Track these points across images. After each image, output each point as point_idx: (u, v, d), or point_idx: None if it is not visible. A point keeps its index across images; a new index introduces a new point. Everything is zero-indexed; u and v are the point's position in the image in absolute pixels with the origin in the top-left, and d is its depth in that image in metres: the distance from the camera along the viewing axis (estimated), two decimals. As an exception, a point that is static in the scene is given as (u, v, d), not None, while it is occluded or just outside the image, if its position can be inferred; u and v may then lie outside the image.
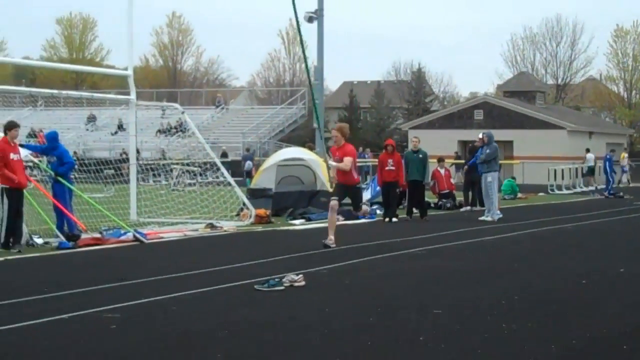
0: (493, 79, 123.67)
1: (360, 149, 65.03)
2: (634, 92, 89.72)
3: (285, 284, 12.55)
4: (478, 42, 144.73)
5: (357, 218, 26.06)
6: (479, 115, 62.10)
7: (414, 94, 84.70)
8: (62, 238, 18.88)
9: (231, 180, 25.77)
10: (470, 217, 26.64)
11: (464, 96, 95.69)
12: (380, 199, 27.61)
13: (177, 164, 40.41)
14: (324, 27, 48.48)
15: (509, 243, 19.89)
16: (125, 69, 26.45)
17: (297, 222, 24.79)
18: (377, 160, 30.06)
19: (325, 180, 28.61)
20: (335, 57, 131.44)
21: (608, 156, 42.13)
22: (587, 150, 54.97)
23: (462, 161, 39.55)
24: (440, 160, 33.49)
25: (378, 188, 27.91)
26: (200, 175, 33.31)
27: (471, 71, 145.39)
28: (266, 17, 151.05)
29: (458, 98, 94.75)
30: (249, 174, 47.20)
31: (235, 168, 46.66)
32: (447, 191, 31.86)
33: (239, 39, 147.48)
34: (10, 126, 18.61)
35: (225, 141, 65.68)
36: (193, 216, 24.84)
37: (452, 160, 51.39)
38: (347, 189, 18.10)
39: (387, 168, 25.45)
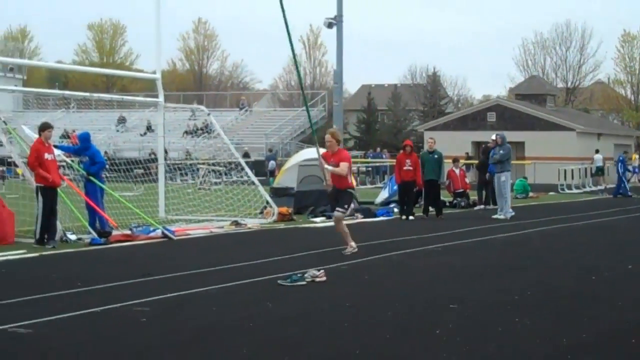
0: (505, 82, 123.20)
1: (378, 149, 65.04)
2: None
3: (307, 279, 12.56)
4: (491, 47, 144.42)
5: (375, 215, 26.08)
6: (491, 117, 61.89)
7: (430, 96, 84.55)
8: (94, 234, 18.92)
9: (255, 179, 25.80)
10: (484, 216, 26.56)
11: (478, 99, 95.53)
12: (396, 197, 27.56)
13: (204, 163, 40.47)
14: (343, 32, 48.50)
15: (521, 240, 19.83)
16: (154, 72, 26.57)
17: (318, 219, 24.79)
18: (394, 160, 30.07)
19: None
20: (354, 62, 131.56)
21: (621, 158, 41.88)
22: (597, 151, 54.74)
23: (474, 161, 39.48)
24: (456, 160, 33.51)
25: (395, 187, 27.86)
26: (226, 174, 33.40)
27: (484, 75, 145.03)
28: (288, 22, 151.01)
29: (472, 101, 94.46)
30: (272, 174, 47.24)
31: (258, 168, 46.69)
32: (461, 190, 31.92)
33: (262, 44, 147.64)
34: (44, 127, 18.68)
35: (249, 142, 65.72)
36: (219, 214, 24.86)
37: (463, 161, 51.34)
38: (341, 192, 16.50)
39: (405, 168, 25.41)
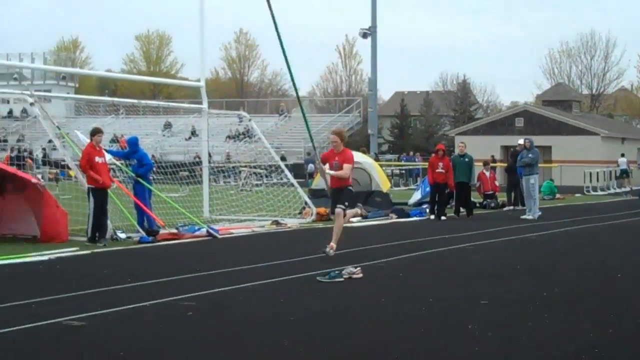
0: (532, 89, 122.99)
1: (411, 153, 64.95)
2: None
3: (345, 276, 12.53)
4: (518, 55, 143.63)
5: (408, 215, 26.02)
6: (519, 122, 61.66)
7: (460, 103, 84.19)
8: (143, 233, 18.99)
9: (294, 181, 25.86)
10: (513, 216, 26.44)
11: (506, 105, 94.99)
12: (429, 198, 27.49)
13: (245, 166, 40.51)
14: (377, 42, 48.55)
15: (549, 239, 19.71)
16: (198, 80, 26.62)
17: (354, 219, 24.73)
18: (426, 163, 30.04)
19: (380, 182, 28.61)
20: (388, 70, 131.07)
21: None
22: (622, 155, 54.36)
23: (501, 164, 39.30)
24: (486, 163, 33.52)
25: (428, 189, 27.80)
26: (266, 176, 33.41)
27: (512, 82, 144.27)
28: (324, 33, 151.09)
29: (500, 107, 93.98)
30: (311, 176, 47.27)
31: (297, 170, 46.67)
32: (491, 192, 31.93)
33: (300, 54, 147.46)
34: (95, 132, 18.79)
35: (288, 146, 65.77)
36: (260, 214, 24.89)
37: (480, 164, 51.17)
38: (340, 191, 15.66)
39: (437, 170, 25.37)
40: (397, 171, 56.89)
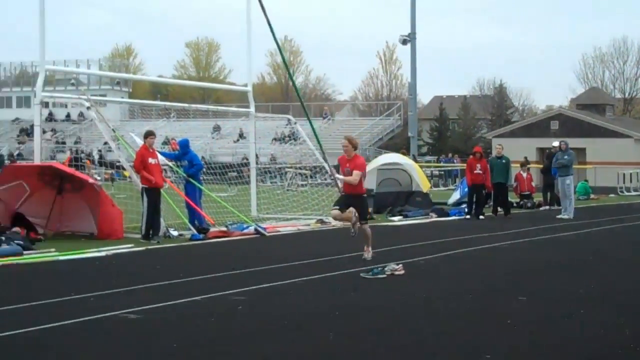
0: (567, 93, 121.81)
1: (450, 154, 64.73)
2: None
3: (387, 273, 12.51)
4: (553, 61, 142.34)
5: (448, 215, 25.95)
6: (554, 125, 61.29)
7: (497, 106, 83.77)
8: (194, 231, 19.09)
9: (338, 182, 25.78)
10: (549, 215, 26.25)
11: (541, 109, 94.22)
12: (466, 198, 27.40)
13: (291, 167, 40.59)
14: (416, 48, 48.39)
15: (584, 238, 19.58)
16: (245, 85, 26.76)
17: (395, 218, 24.76)
18: (465, 164, 29.96)
19: (420, 183, 28.56)
20: (427, 74, 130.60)
21: None
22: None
23: (535, 166, 39.06)
24: (523, 164, 33.45)
25: (466, 189, 27.70)
26: (311, 177, 33.47)
27: (547, 86, 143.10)
28: (366, 40, 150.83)
29: (536, 110, 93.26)
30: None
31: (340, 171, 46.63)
32: (527, 192, 31.86)
33: (343, 59, 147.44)
34: (148, 134, 18.94)
35: (331, 148, 65.48)
36: (305, 213, 24.90)
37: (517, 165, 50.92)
38: (353, 198, 14.78)
39: (475, 172, 25.32)
40: (437, 172, 56.78)
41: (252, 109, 25.47)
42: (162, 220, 18.58)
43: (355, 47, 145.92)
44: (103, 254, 15.31)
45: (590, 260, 15.11)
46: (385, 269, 12.63)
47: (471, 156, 26.42)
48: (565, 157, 25.69)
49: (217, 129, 74.49)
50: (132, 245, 16.73)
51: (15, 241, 15.63)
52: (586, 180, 41.90)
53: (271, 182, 38.21)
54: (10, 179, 18.79)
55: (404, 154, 35.93)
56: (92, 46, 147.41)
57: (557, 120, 61.82)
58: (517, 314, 9.55)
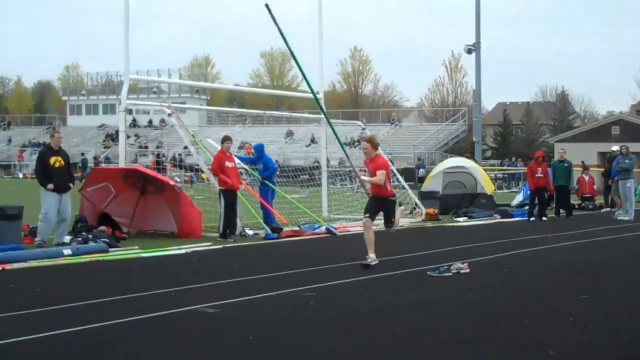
0: (627, 99, 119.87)
1: (513, 158, 64.12)
2: None
3: (453, 271, 12.43)
4: (614, 68, 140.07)
5: (511, 216, 25.70)
6: (615, 130, 60.34)
7: (559, 112, 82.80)
8: (268, 230, 19.18)
9: (405, 184, 25.78)
10: (610, 217, 25.82)
11: (602, 114, 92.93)
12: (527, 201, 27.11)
13: (360, 170, 40.52)
14: (480, 57, 47.98)
15: (644, 239, 19.23)
16: (317, 93, 26.73)
17: (460, 219, 24.60)
18: (527, 168, 29.70)
19: (484, 185, 28.33)
20: (490, 81, 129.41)
21: None
22: None
23: (598, 169, 38.50)
24: (586, 168, 33.08)
25: (529, 191, 27.42)
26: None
27: (608, 93, 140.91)
28: (432, 49, 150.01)
29: (597, 116, 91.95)
30: (422, 180, 47.06)
31: (407, 174, 46.43)
32: (589, 195, 31.47)
33: (409, 68, 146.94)
34: (225, 139, 19.07)
35: (399, 152, 65.60)
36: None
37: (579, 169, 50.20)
38: (381, 202, 13.80)
39: (536, 175, 25.07)
40: (500, 175, 56.34)
41: (323, 115, 25.49)
42: (238, 220, 18.69)
43: (422, 55, 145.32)
44: (183, 251, 15.47)
45: (652, 260, 14.83)
46: (451, 267, 12.55)
47: (532, 161, 26.23)
48: (627, 160, 25.37)
49: (289, 134, 74.83)
50: (210, 243, 16.85)
51: (102, 239, 15.90)
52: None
53: (341, 185, 38.11)
54: (97, 181, 19.09)
55: (468, 157, 35.69)
56: (173, 57, 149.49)
57: (617, 126, 60.87)
58: (579, 312, 9.40)
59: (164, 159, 56.67)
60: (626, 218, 24.73)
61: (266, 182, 20.43)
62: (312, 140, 68.67)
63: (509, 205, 29.86)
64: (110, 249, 15.29)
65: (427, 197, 26.69)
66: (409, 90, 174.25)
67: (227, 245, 16.82)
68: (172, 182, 19.25)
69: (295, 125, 75.14)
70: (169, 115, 20.58)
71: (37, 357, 7.29)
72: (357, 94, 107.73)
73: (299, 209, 22.08)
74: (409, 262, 13.88)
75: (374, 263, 13.25)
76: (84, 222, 17.61)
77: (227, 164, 18.48)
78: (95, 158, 69.87)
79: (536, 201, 25.18)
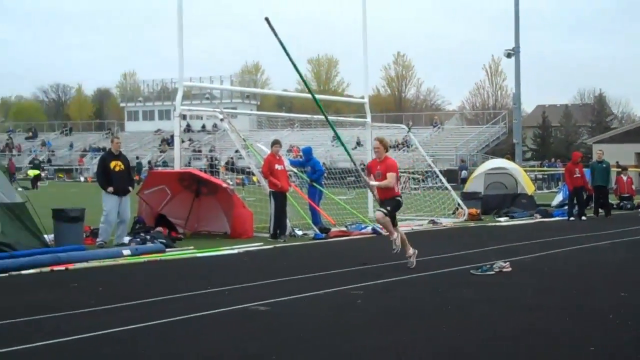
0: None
1: (552, 159, 63.53)
2: None
3: (495, 270, 12.35)
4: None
5: (551, 215, 25.46)
6: (652, 131, 59.75)
7: (597, 114, 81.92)
8: (317, 230, 19.21)
9: (447, 185, 25.70)
10: (648, 216, 25.53)
11: (639, 115, 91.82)
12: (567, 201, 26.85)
13: (404, 172, 40.41)
14: (520, 61, 47.59)
15: (682, 238, 18.94)
16: (362, 97, 26.80)
17: (502, 219, 24.44)
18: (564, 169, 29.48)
19: (525, 186, 28.12)
20: (530, 84, 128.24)
21: None
22: None
23: (636, 169, 38.06)
24: (624, 169, 32.71)
25: (568, 192, 27.17)
26: (423, 181, 33.28)
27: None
28: (473, 54, 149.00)
29: (634, 117, 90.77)
30: (464, 181, 46.86)
31: (449, 175, 46.27)
32: (627, 194, 31.01)
33: (451, 72, 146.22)
34: (274, 143, 19.16)
35: (441, 154, 65.28)
36: (418, 214, 24.78)
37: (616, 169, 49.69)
38: (388, 202, 13.10)
39: (574, 175, 24.81)
40: (540, 176, 55.86)
41: (368, 119, 25.58)
42: (288, 221, 18.74)
43: (464, 60, 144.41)
44: (236, 251, 15.54)
45: (690, 259, 14.61)
46: (494, 266, 12.47)
47: (570, 162, 26.02)
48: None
49: (336, 137, 74.78)
50: (261, 243, 16.92)
51: (159, 240, 16.03)
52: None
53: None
54: (154, 184, 19.26)
55: (508, 159, 35.49)
56: (224, 64, 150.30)
57: (654, 127, 60.24)
58: (619, 309, 9.28)
59: (216, 162, 56.96)
60: (664, 217, 24.41)
61: (314, 184, 20.48)
62: (358, 144, 68.51)
63: (549, 205, 29.59)
64: (167, 249, 15.43)
65: (469, 197, 26.56)
66: (451, 94, 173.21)
67: (277, 245, 16.87)
68: (224, 185, 19.36)
69: (341, 128, 74.92)
70: (221, 120, 20.71)
71: (99, 354, 7.37)
72: (400, 98, 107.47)
73: (345, 210, 22.08)
74: (452, 262, 13.81)
75: (412, 251, 13.14)
76: (142, 224, 17.78)
77: (277, 166, 18.56)
78: (149, 162, 70.46)
79: (575, 201, 24.93)
